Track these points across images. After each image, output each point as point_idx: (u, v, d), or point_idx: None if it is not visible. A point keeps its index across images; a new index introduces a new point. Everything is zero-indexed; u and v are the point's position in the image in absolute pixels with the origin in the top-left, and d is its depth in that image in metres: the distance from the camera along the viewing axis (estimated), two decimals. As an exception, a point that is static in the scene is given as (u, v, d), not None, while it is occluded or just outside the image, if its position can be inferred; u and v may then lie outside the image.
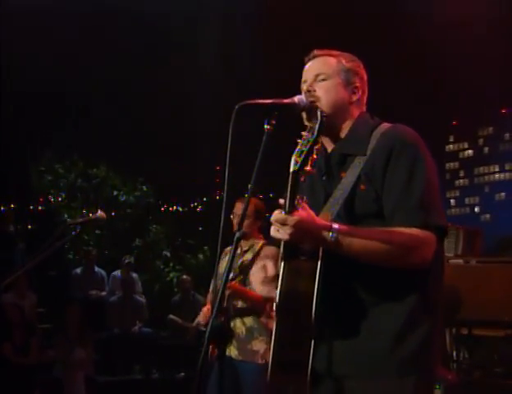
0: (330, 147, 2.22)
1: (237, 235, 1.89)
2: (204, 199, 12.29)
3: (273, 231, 1.96)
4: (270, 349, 2.04)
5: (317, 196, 2.17)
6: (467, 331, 5.32)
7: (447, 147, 12.00)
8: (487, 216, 11.72)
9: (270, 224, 1.95)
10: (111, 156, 10.48)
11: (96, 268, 9.29)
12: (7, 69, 9.47)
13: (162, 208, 11.78)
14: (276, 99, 2.02)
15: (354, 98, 2.21)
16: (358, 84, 2.22)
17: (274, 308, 2.02)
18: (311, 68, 2.23)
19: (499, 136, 11.96)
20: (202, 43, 9.85)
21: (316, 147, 1.91)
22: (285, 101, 2.05)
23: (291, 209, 1.88)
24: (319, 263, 1.97)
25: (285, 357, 2.02)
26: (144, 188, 11.03)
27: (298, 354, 1.99)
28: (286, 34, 8.72)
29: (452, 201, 12.04)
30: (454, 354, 5.32)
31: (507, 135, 11.86)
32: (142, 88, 10.39)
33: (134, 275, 9.12)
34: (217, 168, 10.73)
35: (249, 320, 4.25)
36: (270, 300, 4.17)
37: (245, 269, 4.31)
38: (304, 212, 1.92)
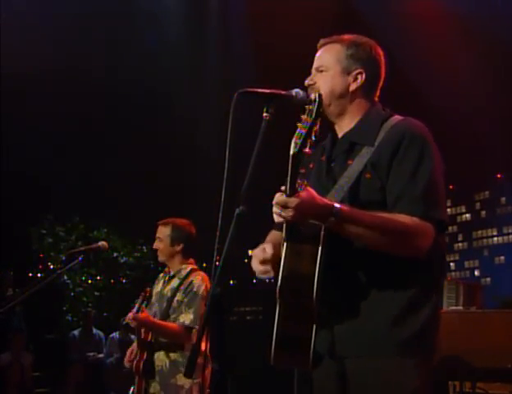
0: (338, 134, 2.24)
1: (237, 211, 1.90)
2: (204, 265, 12.21)
3: (275, 216, 1.98)
4: (273, 328, 2.02)
5: (323, 182, 2.18)
6: (471, 385, 5.21)
7: (445, 211, 12.09)
8: (488, 279, 11.69)
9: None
10: (111, 218, 10.54)
11: (94, 330, 9.14)
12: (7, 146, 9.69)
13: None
14: (274, 90, 2.07)
15: (355, 85, 2.20)
16: (360, 70, 2.20)
17: (277, 289, 2.01)
18: (315, 60, 2.27)
19: (495, 200, 12.08)
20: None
21: (314, 129, 1.93)
22: (283, 93, 2.10)
23: (292, 191, 1.89)
24: (320, 247, 1.97)
25: (287, 339, 2.01)
26: (144, 249, 11.04)
27: (300, 335, 1.99)
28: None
29: (452, 265, 12.01)
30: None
31: (503, 200, 11.97)
32: (142, 153, 10.56)
33: (133, 336, 8.96)
34: (217, 234, 10.69)
35: (174, 354, 3.90)
36: (193, 328, 3.86)
37: (171, 299, 3.97)
38: (305, 192, 1.93)
